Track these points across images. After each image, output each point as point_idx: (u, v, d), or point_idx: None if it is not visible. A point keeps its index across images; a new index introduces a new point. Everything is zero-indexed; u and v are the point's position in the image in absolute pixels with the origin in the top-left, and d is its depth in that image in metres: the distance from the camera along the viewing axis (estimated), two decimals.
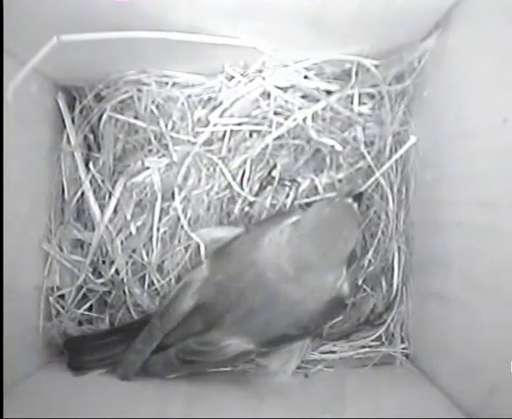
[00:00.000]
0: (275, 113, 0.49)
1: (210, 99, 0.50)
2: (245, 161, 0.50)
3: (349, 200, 0.40)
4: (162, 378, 0.43)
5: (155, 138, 0.50)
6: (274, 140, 0.49)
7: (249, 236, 0.43)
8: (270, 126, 0.49)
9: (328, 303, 0.40)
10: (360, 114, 0.49)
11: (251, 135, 0.50)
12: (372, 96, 0.48)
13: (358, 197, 0.41)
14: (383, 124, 0.48)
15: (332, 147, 0.49)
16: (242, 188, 0.50)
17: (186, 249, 0.50)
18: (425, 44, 0.42)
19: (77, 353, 0.45)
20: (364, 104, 0.49)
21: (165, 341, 0.42)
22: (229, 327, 0.41)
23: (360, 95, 0.48)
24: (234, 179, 0.49)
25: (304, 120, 0.48)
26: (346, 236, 0.39)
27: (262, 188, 0.50)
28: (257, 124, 0.49)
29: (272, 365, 0.42)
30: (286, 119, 0.48)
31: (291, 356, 0.42)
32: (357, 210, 0.41)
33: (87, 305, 0.50)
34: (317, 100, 0.48)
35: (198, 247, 0.49)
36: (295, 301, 0.40)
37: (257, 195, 0.50)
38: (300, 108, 0.48)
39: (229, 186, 0.50)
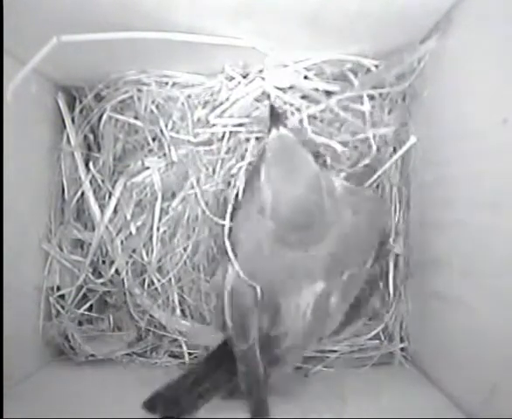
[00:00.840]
0: None
1: (210, 99, 0.50)
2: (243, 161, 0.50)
3: (282, 131, 0.38)
4: None
5: (155, 139, 0.50)
6: None
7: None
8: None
9: (341, 201, 0.40)
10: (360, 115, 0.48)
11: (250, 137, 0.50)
12: (372, 96, 0.48)
13: (275, 117, 0.39)
14: (383, 124, 0.48)
15: (332, 148, 0.49)
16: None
17: (185, 248, 0.50)
18: (426, 46, 0.42)
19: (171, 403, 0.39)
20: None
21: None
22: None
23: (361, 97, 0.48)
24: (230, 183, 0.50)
25: (301, 121, 0.48)
26: (303, 170, 0.38)
27: None
28: (256, 125, 0.49)
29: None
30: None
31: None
32: (289, 136, 0.38)
33: (87, 305, 0.50)
34: (317, 101, 0.48)
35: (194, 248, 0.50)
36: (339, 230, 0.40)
37: None
38: (298, 109, 0.48)
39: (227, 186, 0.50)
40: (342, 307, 0.42)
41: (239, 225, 0.43)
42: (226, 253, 0.43)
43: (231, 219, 0.46)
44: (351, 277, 0.41)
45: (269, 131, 0.39)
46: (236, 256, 0.42)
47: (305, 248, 0.40)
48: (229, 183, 0.50)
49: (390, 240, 0.48)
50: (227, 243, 0.43)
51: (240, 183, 0.48)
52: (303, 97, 0.49)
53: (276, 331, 0.40)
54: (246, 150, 0.49)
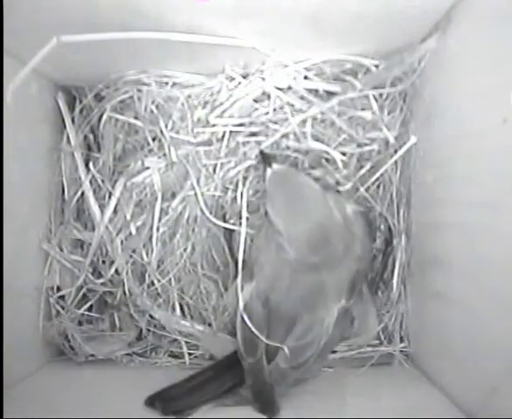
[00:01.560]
0: (273, 120, 0.49)
1: (210, 99, 0.50)
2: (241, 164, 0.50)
3: (275, 167, 0.41)
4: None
5: (155, 139, 0.50)
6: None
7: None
8: (268, 127, 0.49)
9: (352, 222, 0.42)
10: (360, 116, 0.48)
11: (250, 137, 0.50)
12: (372, 97, 0.48)
13: (266, 158, 0.42)
14: (383, 124, 0.48)
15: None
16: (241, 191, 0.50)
17: (185, 249, 0.50)
18: (426, 45, 0.42)
19: (170, 401, 0.40)
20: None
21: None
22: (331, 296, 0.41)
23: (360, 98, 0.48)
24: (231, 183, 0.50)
25: (303, 123, 0.48)
26: (307, 193, 0.40)
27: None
28: (256, 125, 0.49)
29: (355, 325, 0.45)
30: (285, 121, 0.48)
31: (367, 314, 0.45)
32: (284, 168, 0.42)
33: (87, 305, 0.50)
34: (318, 101, 0.48)
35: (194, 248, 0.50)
36: (333, 246, 0.40)
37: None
38: (295, 112, 0.48)
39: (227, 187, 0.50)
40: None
41: (260, 246, 0.44)
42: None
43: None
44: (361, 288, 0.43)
45: (264, 172, 0.41)
46: (254, 275, 0.43)
47: (329, 268, 0.40)
48: (227, 188, 0.50)
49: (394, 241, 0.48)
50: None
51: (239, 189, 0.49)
52: (303, 98, 0.49)
53: (299, 342, 0.41)
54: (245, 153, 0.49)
